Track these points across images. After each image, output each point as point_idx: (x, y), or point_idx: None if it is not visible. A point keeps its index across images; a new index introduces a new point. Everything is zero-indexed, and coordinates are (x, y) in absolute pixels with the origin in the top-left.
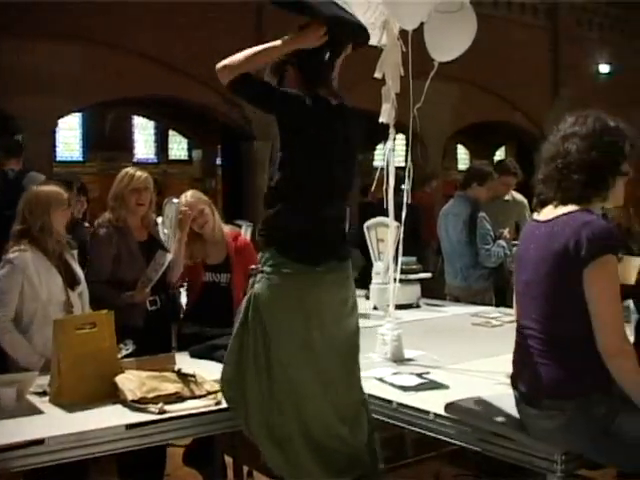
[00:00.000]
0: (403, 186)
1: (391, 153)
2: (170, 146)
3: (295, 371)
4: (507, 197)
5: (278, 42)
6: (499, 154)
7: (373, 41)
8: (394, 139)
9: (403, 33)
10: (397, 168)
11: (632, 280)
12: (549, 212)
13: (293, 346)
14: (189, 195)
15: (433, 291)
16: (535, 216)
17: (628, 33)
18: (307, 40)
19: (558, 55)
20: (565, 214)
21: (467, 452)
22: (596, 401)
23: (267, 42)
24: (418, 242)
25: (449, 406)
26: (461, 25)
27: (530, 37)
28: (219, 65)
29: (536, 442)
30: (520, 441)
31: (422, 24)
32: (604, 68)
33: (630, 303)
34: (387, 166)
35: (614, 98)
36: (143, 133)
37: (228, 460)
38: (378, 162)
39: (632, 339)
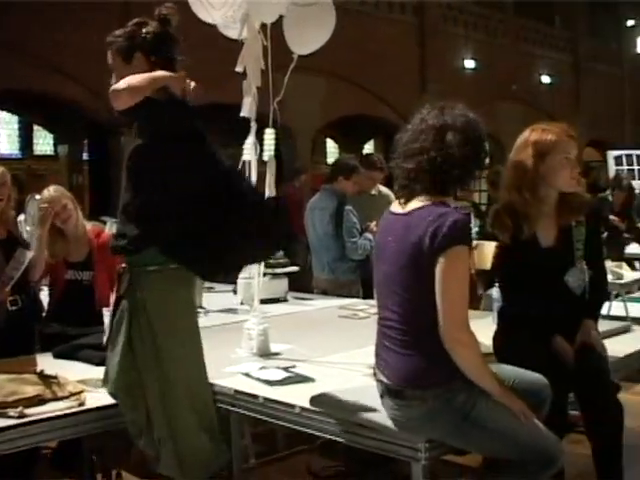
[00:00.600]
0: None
1: (253, 147)
2: (35, 141)
3: (188, 365)
4: (373, 191)
5: (162, 73)
6: (368, 148)
7: (233, 35)
8: (259, 133)
9: (264, 26)
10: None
11: (488, 265)
12: (407, 204)
13: (184, 340)
14: (52, 190)
15: (302, 285)
16: (393, 208)
17: (492, 30)
18: (175, 85)
19: (425, 50)
20: (422, 207)
21: (337, 444)
22: (456, 389)
23: None
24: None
25: (314, 399)
26: (319, 18)
27: (398, 33)
28: (117, 88)
29: (400, 432)
30: (384, 431)
31: (282, 17)
32: (469, 63)
33: (493, 291)
34: (250, 160)
35: (479, 92)
36: (6, 127)
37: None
38: (246, 157)
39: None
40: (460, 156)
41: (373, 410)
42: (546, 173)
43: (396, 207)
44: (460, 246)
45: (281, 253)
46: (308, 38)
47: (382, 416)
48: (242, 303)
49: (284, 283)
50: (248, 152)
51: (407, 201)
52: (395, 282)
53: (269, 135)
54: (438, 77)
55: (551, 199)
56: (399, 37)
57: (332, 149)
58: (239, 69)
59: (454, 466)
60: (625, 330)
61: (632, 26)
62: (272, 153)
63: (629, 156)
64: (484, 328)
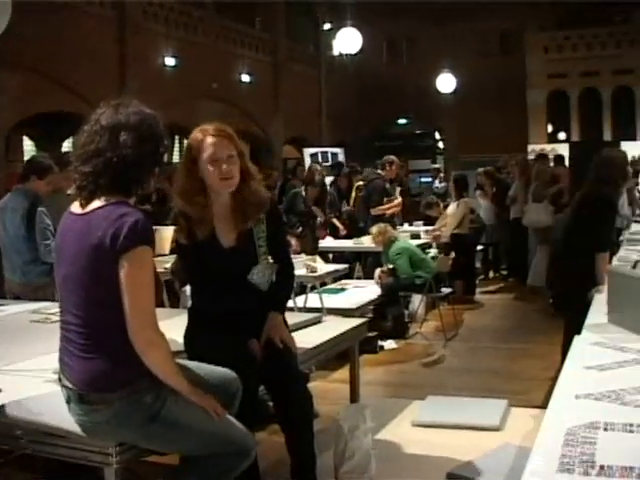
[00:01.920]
0: None
1: None
2: None
3: None
4: (70, 191)
5: None
6: (67, 146)
7: None
8: None
9: None
10: None
11: (167, 250)
12: (87, 204)
13: None
14: None
15: None
16: (73, 208)
17: (192, 28)
18: None
19: (125, 46)
20: (102, 207)
21: (37, 455)
22: (143, 389)
23: None
24: None
25: None
26: None
27: (98, 27)
28: None
29: (89, 437)
30: (73, 438)
31: None
32: (170, 61)
33: (187, 289)
34: None
35: (180, 90)
36: None
37: None
38: None
39: None
40: (135, 155)
41: (60, 417)
42: (202, 175)
43: (76, 207)
44: (142, 246)
45: None
46: None
47: (70, 423)
48: None
49: None
50: None
51: (87, 202)
52: (75, 284)
53: None
54: (138, 74)
55: (222, 200)
56: (98, 32)
57: (29, 147)
58: None
59: (155, 466)
60: (317, 321)
61: (329, 29)
62: None
63: (324, 153)
64: (178, 325)
